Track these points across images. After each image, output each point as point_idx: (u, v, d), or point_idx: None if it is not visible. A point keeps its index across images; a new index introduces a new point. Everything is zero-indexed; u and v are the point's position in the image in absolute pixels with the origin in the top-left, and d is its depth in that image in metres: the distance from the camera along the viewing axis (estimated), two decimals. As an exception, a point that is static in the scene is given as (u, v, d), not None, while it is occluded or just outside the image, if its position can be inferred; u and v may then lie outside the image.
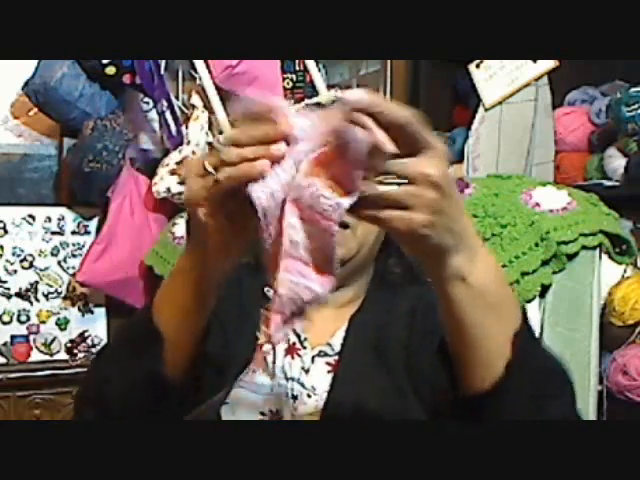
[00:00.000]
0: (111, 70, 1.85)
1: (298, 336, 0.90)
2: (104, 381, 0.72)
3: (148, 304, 0.71)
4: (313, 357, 0.88)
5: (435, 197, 0.56)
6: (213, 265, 0.64)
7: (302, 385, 0.86)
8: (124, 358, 0.72)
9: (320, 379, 0.86)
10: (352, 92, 0.55)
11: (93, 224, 2.05)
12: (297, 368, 0.87)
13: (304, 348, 0.89)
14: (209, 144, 0.60)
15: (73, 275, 1.99)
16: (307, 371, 0.87)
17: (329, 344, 0.89)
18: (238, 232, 0.60)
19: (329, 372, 0.87)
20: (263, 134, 0.56)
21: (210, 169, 0.58)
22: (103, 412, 0.71)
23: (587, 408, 1.10)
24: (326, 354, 0.89)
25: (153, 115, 2.01)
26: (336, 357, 0.88)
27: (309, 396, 0.85)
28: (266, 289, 0.93)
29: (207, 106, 1.92)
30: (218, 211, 0.59)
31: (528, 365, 0.63)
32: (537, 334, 1.13)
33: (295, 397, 0.85)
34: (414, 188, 0.55)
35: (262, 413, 0.84)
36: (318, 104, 0.68)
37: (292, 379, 0.86)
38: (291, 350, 0.89)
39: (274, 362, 0.87)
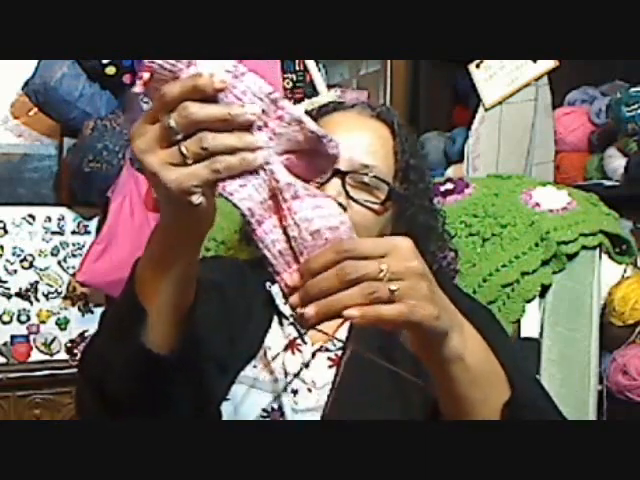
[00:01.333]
0: (111, 70, 1.85)
1: (298, 331, 0.90)
2: (97, 361, 0.72)
3: (130, 277, 0.70)
4: (314, 352, 0.88)
5: (428, 286, 0.58)
6: (195, 230, 0.64)
7: (302, 380, 0.86)
8: (112, 335, 0.71)
9: (321, 374, 0.86)
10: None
11: (93, 224, 2.05)
12: (297, 363, 0.87)
13: (305, 343, 0.89)
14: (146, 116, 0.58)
15: (73, 275, 2.00)
16: (307, 366, 0.87)
17: (331, 339, 0.89)
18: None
19: (330, 367, 0.87)
20: (223, 113, 0.55)
21: (188, 158, 0.56)
22: (100, 393, 0.71)
23: (587, 408, 1.10)
24: (327, 349, 0.89)
25: (153, 115, 2.01)
26: (338, 352, 0.88)
27: (309, 390, 0.85)
28: (267, 284, 0.93)
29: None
30: (211, 194, 0.58)
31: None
32: (537, 335, 1.13)
33: (295, 392, 0.85)
34: (409, 283, 0.56)
35: (263, 409, 0.84)
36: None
37: (292, 374, 0.86)
38: (292, 345, 0.89)
39: (274, 357, 0.87)
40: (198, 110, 0.54)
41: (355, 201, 0.91)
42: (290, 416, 0.83)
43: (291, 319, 0.91)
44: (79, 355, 0.80)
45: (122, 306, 0.70)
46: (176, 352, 0.69)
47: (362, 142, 0.94)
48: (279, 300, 0.92)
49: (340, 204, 0.88)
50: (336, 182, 0.89)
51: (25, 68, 1.84)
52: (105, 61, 1.84)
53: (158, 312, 0.67)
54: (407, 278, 0.56)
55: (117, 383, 0.69)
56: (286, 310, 0.91)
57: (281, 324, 0.92)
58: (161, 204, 0.62)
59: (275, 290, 0.93)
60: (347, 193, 0.90)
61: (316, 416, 0.83)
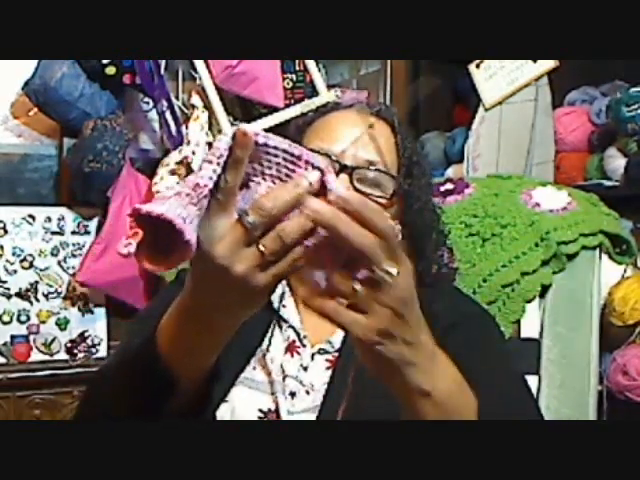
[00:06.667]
0: (111, 70, 1.85)
1: (298, 334, 0.90)
2: (97, 412, 0.72)
3: (149, 340, 0.67)
4: (313, 355, 0.89)
5: (396, 309, 0.55)
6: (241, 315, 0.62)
7: (300, 382, 0.86)
8: (126, 395, 0.70)
9: (319, 376, 0.86)
10: (341, 189, 0.54)
11: (93, 224, 2.05)
12: (296, 366, 0.87)
13: (304, 346, 0.89)
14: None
15: (73, 275, 1.99)
16: (306, 369, 0.87)
17: (329, 342, 0.89)
18: None
19: (328, 368, 0.87)
20: (294, 195, 0.53)
21: (270, 257, 0.54)
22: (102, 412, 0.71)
23: (587, 408, 1.10)
24: (326, 351, 0.89)
25: (153, 115, 2.02)
26: (336, 354, 0.88)
27: (307, 393, 0.85)
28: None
29: (207, 106, 1.93)
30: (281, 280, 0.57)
31: None
32: (537, 335, 1.13)
33: (293, 394, 0.85)
34: (378, 298, 0.54)
35: (260, 410, 0.84)
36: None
37: (290, 376, 0.86)
38: (290, 348, 0.89)
39: (273, 360, 0.87)
40: (274, 203, 0.53)
41: (365, 195, 0.91)
42: (286, 417, 0.83)
43: (290, 322, 0.91)
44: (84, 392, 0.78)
45: (142, 372, 0.68)
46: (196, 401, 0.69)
47: (364, 139, 0.94)
48: (277, 303, 0.92)
49: None
50: (344, 177, 0.90)
51: (25, 68, 1.84)
52: (105, 61, 1.84)
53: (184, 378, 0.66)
54: (385, 293, 0.54)
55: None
56: (285, 313, 0.92)
57: (280, 327, 0.92)
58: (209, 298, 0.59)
59: (273, 294, 0.93)
60: (355, 188, 0.90)
61: (312, 417, 0.83)
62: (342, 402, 0.81)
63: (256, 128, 0.54)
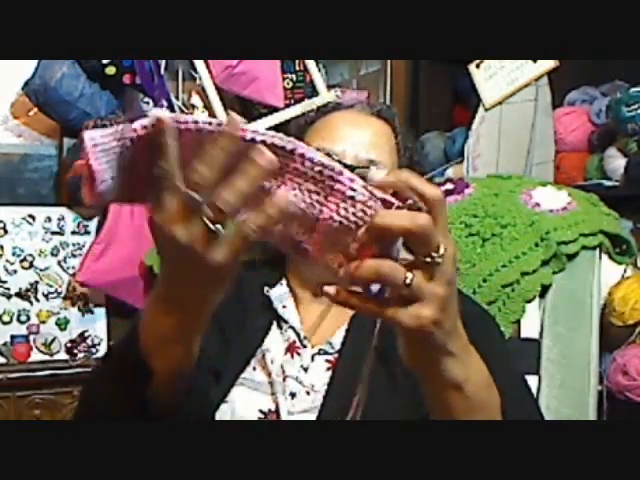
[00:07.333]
0: (111, 70, 1.85)
1: (298, 335, 0.90)
2: (93, 412, 0.71)
3: (132, 330, 0.66)
4: (313, 355, 0.89)
5: (445, 295, 0.53)
6: (211, 295, 0.59)
7: (300, 383, 0.86)
8: (111, 389, 0.69)
9: (319, 376, 0.86)
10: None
11: (93, 224, 2.05)
12: (296, 366, 0.87)
13: (304, 347, 0.89)
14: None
15: (73, 275, 1.99)
16: (306, 369, 0.87)
17: (329, 342, 0.89)
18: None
19: (328, 369, 0.87)
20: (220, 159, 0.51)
21: (217, 228, 0.52)
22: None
23: (587, 408, 1.10)
24: (326, 352, 0.89)
25: (153, 115, 2.01)
26: (336, 355, 0.88)
27: (307, 393, 0.85)
28: (265, 289, 0.93)
29: (207, 106, 1.93)
30: (238, 256, 0.54)
31: None
32: (537, 335, 1.13)
33: (293, 395, 0.85)
34: (429, 284, 0.52)
35: (261, 411, 0.84)
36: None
37: (290, 377, 0.86)
38: (291, 349, 0.89)
39: (273, 360, 0.87)
40: (211, 172, 0.51)
41: None
42: (286, 418, 0.83)
43: (291, 323, 0.91)
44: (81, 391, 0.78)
45: (123, 363, 0.67)
46: (180, 394, 0.67)
47: (365, 139, 0.94)
48: (277, 304, 0.92)
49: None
50: None
51: (25, 68, 1.84)
52: (105, 61, 1.84)
53: (162, 372, 0.65)
54: (434, 280, 0.53)
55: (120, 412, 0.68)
56: (285, 314, 0.92)
57: (280, 328, 0.92)
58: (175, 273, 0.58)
59: (274, 294, 0.93)
60: None
61: (312, 418, 0.83)
62: (342, 404, 0.81)
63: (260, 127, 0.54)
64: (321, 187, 0.53)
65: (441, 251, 0.52)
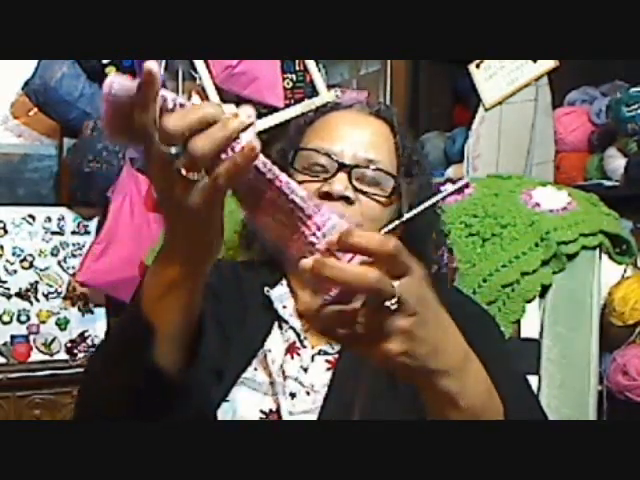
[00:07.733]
0: (111, 70, 1.85)
1: (298, 335, 0.90)
2: (100, 379, 0.71)
3: (136, 295, 0.69)
4: (313, 356, 0.89)
5: (411, 325, 0.54)
6: (207, 245, 0.63)
7: (300, 383, 0.86)
8: (118, 354, 0.70)
9: (319, 377, 0.86)
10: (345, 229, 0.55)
11: (93, 224, 2.05)
12: (296, 367, 0.87)
13: (304, 347, 0.89)
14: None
15: (73, 275, 2.00)
16: (306, 370, 0.87)
17: (329, 343, 0.89)
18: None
19: (328, 369, 0.87)
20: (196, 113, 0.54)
21: (193, 175, 0.55)
22: (101, 412, 0.70)
23: (587, 408, 1.10)
24: (326, 353, 0.89)
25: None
26: (336, 355, 0.88)
27: (307, 394, 0.85)
28: (266, 289, 0.93)
29: (207, 106, 1.92)
30: (219, 205, 0.58)
31: None
32: (537, 335, 1.13)
33: (293, 395, 0.85)
34: (389, 320, 0.53)
35: (262, 411, 0.84)
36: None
37: (290, 377, 0.86)
38: (291, 349, 0.89)
39: (273, 361, 0.87)
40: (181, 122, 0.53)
41: (363, 193, 0.91)
42: (287, 418, 0.83)
43: (291, 323, 0.91)
44: (85, 362, 0.79)
45: (129, 325, 0.69)
46: (183, 371, 0.68)
47: (364, 138, 0.94)
48: (278, 304, 0.92)
49: (348, 197, 0.89)
50: (342, 176, 0.90)
51: (25, 68, 1.84)
52: (105, 61, 1.84)
53: (166, 332, 0.66)
54: (419, 308, 0.54)
55: (119, 399, 0.68)
56: (285, 314, 0.91)
57: (280, 328, 0.92)
58: (170, 223, 0.61)
59: (274, 295, 0.93)
60: (354, 186, 0.90)
61: (312, 418, 0.83)
62: (342, 404, 0.81)
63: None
64: (290, 223, 0.58)
65: (394, 300, 0.52)
